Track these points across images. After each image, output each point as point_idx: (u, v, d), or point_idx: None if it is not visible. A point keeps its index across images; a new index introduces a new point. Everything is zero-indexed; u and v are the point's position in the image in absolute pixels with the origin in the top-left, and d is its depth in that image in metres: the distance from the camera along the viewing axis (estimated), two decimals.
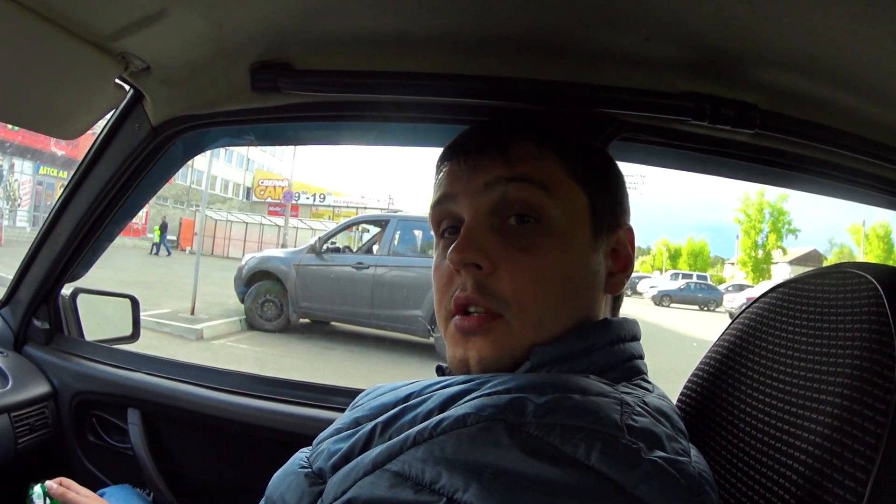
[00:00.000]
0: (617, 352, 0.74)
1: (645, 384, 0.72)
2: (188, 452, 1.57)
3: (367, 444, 0.67)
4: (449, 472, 0.56)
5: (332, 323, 10.08)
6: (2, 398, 1.46)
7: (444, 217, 0.80)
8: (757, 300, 0.91)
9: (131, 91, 1.28)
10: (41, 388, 1.59)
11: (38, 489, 1.14)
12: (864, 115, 1.06)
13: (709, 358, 0.94)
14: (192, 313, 10.35)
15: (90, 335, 1.83)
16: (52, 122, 1.20)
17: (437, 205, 0.81)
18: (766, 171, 1.22)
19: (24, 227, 24.79)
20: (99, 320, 1.90)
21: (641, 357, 0.78)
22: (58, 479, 1.14)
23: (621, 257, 0.81)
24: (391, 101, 1.14)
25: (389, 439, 0.65)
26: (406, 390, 0.75)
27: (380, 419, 0.69)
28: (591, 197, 0.78)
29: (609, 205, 0.80)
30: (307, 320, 10.07)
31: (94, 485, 1.42)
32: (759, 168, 1.20)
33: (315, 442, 0.77)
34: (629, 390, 0.66)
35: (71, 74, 1.09)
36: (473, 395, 0.64)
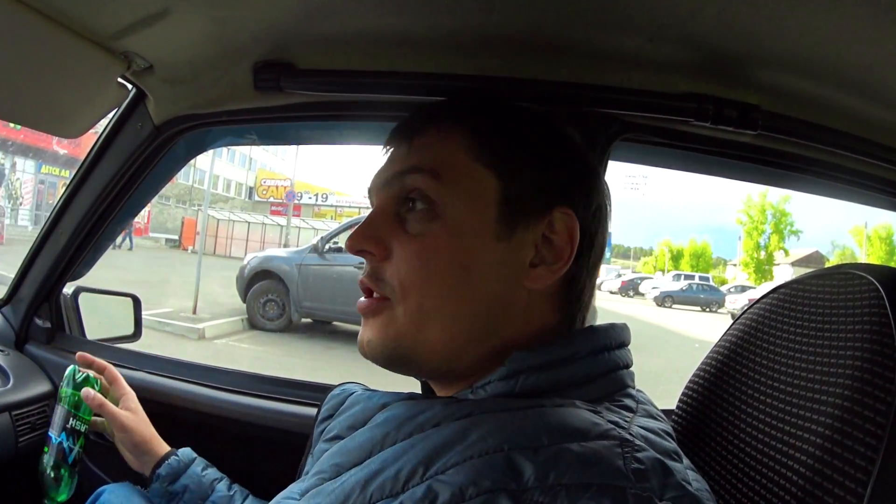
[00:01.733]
0: (600, 362, 0.70)
1: (628, 401, 0.69)
2: None
3: (344, 501, 0.63)
4: None
5: (334, 323, 10.09)
6: (3, 397, 1.46)
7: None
8: (758, 301, 0.91)
9: (134, 90, 1.29)
10: (42, 387, 1.59)
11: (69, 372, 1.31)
12: (867, 116, 1.06)
13: (710, 359, 0.93)
14: (194, 313, 10.38)
15: (91, 334, 1.83)
16: (55, 120, 1.21)
17: (368, 197, 0.81)
18: (769, 172, 1.22)
19: (26, 226, 24.84)
20: (100, 319, 1.90)
21: (628, 366, 0.74)
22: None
23: (554, 246, 0.73)
24: (394, 100, 1.13)
25: (371, 499, 0.60)
26: (381, 418, 0.73)
27: (360, 475, 0.64)
28: (504, 181, 0.72)
29: (531, 188, 0.73)
30: (309, 320, 10.09)
31: (94, 482, 1.42)
32: (762, 169, 1.20)
33: (302, 488, 0.73)
34: (617, 419, 0.62)
35: (73, 73, 1.09)
36: (460, 448, 0.59)
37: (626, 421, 0.62)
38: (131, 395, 1.38)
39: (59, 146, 25.47)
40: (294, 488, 0.75)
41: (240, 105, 1.25)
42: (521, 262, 0.72)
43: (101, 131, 1.46)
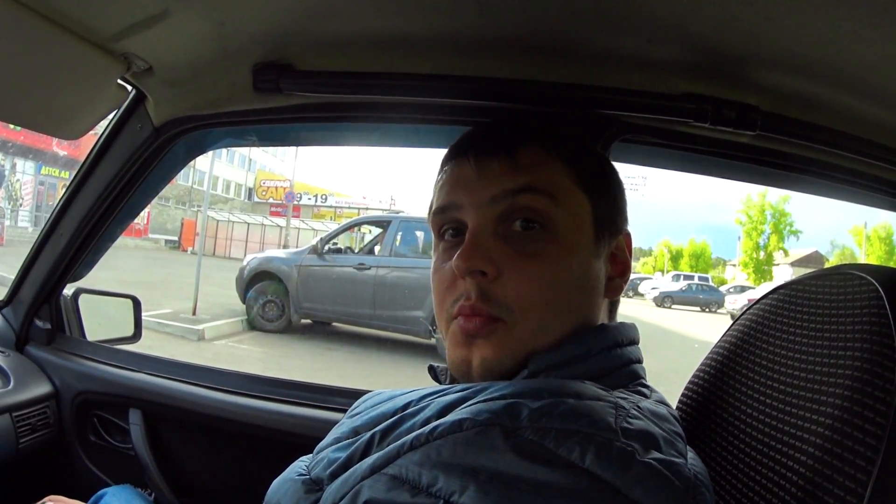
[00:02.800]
0: (614, 357, 0.74)
1: (643, 389, 0.72)
2: (189, 452, 1.57)
3: (365, 452, 0.68)
4: (445, 475, 0.56)
5: (334, 324, 10.09)
6: (3, 398, 1.46)
7: (447, 223, 0.80)
8: (758, 302, 0.91)
9: (133, 91, 1.29)
10: (43, 388, 1.59)
11: None
12: (866, 116, 1.06)
13: (710, 359, 0.94)
14: (194, 314, 10.36)
15: (92, 335, 1.83)
16: (55, 122, 1.21)
17: (441, 212, 0.80)
18: (768, 172, 1.22)
19: (26, 228, 24.81)
20: (100, 321, 1.90)
21: (639, 361, 0.78)
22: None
23: (619, 262, 0.82)
24: (393, 101, 1.14)
25: (387, 446, 0.65)
26: (404, 399, 0.75)
27: (378, 428, 0.70)
28: (594, 203, 0.78)
29: (610, 211, 0.81)
30: (309, 321, 10.08)
31: (95, 485, 1.42)
32: (761, 169, 1.20)
33: (315, 450, 0.78)
34: (625, 395, 0.66)
35: (73, 75, 1.09)
36: (470, 402, 0.64)
37: (631, 401, 0.65)
38: None
39: (59, 147, 25.40)
40: (304, 458, 0.80)
41: (239, 106, 1.25)
42: (604, 276, 0.79)
43: (100, 133, 1.46)
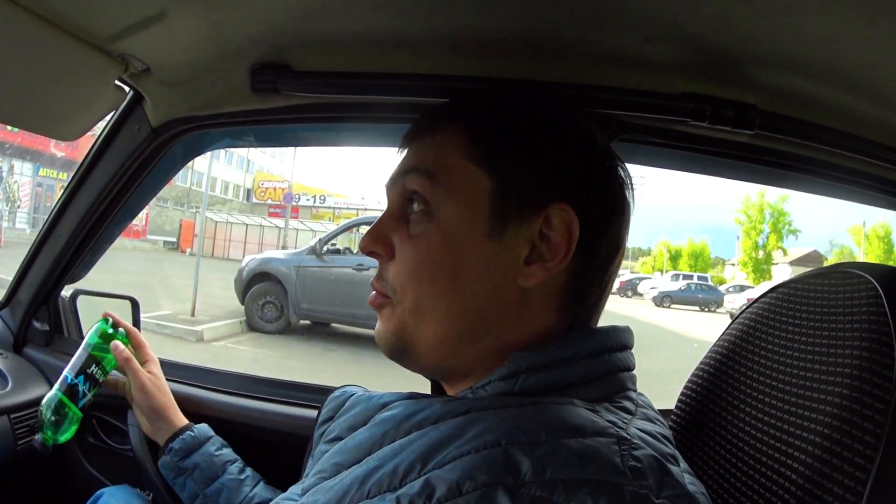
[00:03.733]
0: (600, 363, 0.70)
1: (628, 403, 0.69)
2: None
3: (342, 498, 0.63)
4: None
5: (333, 324, 10.09)
6: (1, 400, 1.46)
7: None
8: (757, 300, 0.91)
9: (131, 92, 1.28)
10: (41, 390, 1.58)
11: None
12: (864, 115, 1.06)
13: (709, 359, 0.93)
14: (193, 315, 10.38)
15: None
16: (52, 123, 1.20)
17: None
18: (766, 171, 1.22)
19: (24, 229, 24.82)
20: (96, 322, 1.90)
21: (629, 369, 0.74)
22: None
23: (551, 243, 0.71)
24: (391, 102, 1.13)
25: (369, 494, 0.61)
26: (381, 417, 0.74)
27: (358, 472, 0.64)
28: (495, 179, 0.72)
29: (524, 185, 0.72)
30: (307, 322, 10.09)
31: (93, 485, 1.42)
32: (759, 168, 1.20)
33: (302, 488, 0.74)
34: (615, 419, 0.62)
35: (70, 76, 1.08)
36: (458, 444, 0.59)
37: (623, 422, 0.62)
38: (156, 361, 1.42)
39: (57, 149, 25.43)
40: (294, 489, 0.77)
41: (237, 107, 1.25)
42: (514, 259, 0.71)
43: (98, 134, 1.45)
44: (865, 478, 0.59)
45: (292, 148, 28.21)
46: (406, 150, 0.81)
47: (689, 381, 0.96)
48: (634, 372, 0.75)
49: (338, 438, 0.80)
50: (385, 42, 1.03)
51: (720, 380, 0.88)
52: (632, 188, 0.79)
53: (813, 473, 0.64)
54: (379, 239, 0.77)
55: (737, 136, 1.10)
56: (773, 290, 0.89)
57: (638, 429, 0.61)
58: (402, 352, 0.76)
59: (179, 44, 1.07)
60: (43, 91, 1.09)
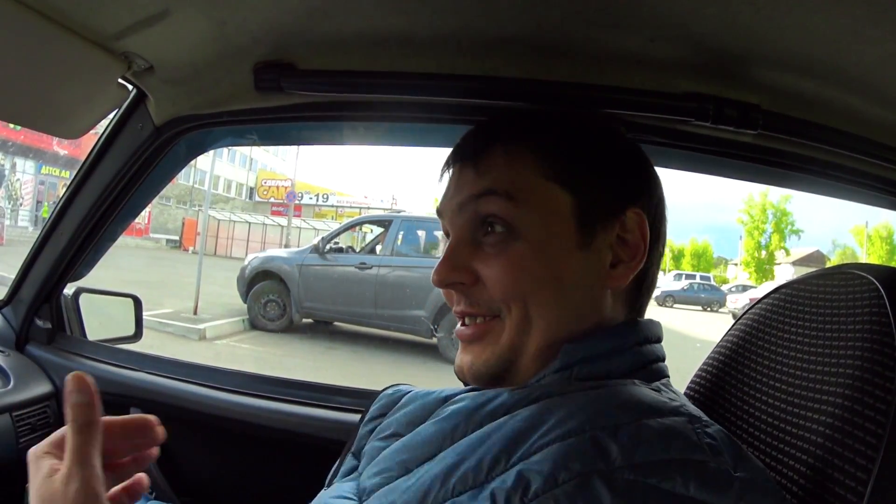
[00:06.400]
0: (645, 353, 0.74)
1: (664, 387, 0.71)
2: (191, 452, 1.57)
3: (424, 498, 0.63)
4: None
5: (335, 323, 10.10)
6: (3, 397, 1.47)
7: (444, 230, 0.83)
8: (760, 301, 0.91)
9: (134, 91, 1.29)
10: (43, 388, 1.59)
11: None
12: (867, 116, 1.06)
13: (712, 358, 0.94)
14: (195, 313, 10.37)
15: (92, 335, 1.84)
16: (55, 121, 1.20)
17: (439, 218, 0.84)
18: (770, 171, 1.21)
19: (27, 227, 24.86)
20: (101, 320, 1.90)
21: (663, 359, 0.78)
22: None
23: (629, 245, 0.76)
24: (396, 101, 1.13)
25: (454, 492, 0.61)
26: (447, 411, 0.74)
27: (436, 469, 0.64)
28: (576, 194, 0.75)
29: (603, 196, 0.76)
30: (310, 320, 10.09)
31: None
32: (763, 168, 1.20)
33: (357, 475, 0.75)
34: (674, 395, 0.67)
35: (74, 74, 1.09)
36: (540, 433, 0.60)
37: (682, 401, 0.65)
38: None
39: (60, 147, 25.46)
40: (344, 488, 0.77)
41: (241, 105, 1.25)
42: (602, 265, 0.75)
43: (101, 132, 1.46)
44: (867, 478, 0.59)
45: (295, 147, 28.25)
46: (462, 171, 0.80)
47: (693, 380, 0.96)
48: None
49: (396, 434, 0.81)
50: (389, 41, 1.02)
51: (723, 379, 0.88)
52: None
53: (815, 473, 0.64)
54: (457, 267, 0.76)
55: (740, 136, 1.09)
56: (776, 290, 0.90)
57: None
58: (503, 372, 0.75)
59: (183, 42, 1.08)
60: (46, 89, 1.09)
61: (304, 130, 1.44)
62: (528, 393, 0.68)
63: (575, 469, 0.55)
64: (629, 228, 0.76)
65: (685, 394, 0.96)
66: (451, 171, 0.82)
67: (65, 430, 0.63)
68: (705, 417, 0.61)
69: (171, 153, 1.44)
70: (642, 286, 0.80)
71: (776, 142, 1.11)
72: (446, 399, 0.79)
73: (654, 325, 0.79)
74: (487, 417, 0.68)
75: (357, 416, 1.37)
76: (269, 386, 1.53)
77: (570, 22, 0.92)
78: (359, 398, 1.47)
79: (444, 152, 0.85)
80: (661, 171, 0.85)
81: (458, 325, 0.79)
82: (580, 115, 0.86)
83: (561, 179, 0.75)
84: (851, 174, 1.19)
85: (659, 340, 0.78)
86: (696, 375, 0.96)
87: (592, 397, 0.64)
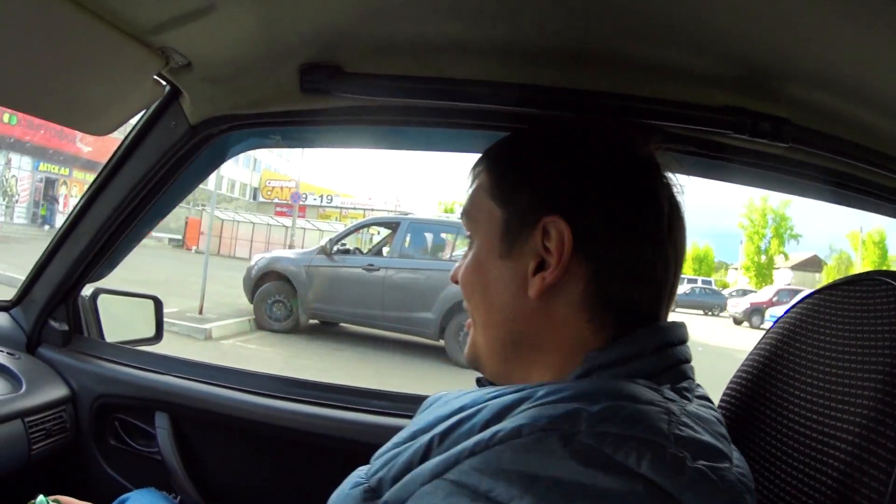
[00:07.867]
0: (665, 357, 0.75)
1: (686, 392, 0.72)
2: (219, 457, 1.57)
3: (425, 455, 0.69)
4: (506, 481, 0.57)
5: (342, 324, 10.13)
6: (15, 403, 1.43)
7: None
8: (794, 306, 0.94)
9: (168, 88, 1.26)
10: (58, 392, 1.57)
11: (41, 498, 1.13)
12: (886, 131, 1.08)
13: (749, 362, 0.96)
14: (201, 313, 10.38)
15: (109, 337, 1.82)
16: (85, 117, 1.19)
17: None
18: (798, 182, 1.24)
19: (24, 224, 24.94)
20: (117, 322, 1.88)
21: (688, 361, 0.78)
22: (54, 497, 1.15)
23: (552, 253, 0.75)
24: (440, 106, 1.14)
25: (447, 450, 0.66)
26: (459, 402, 0.76)
27: (436, 430, 0.71)
28: (504, 207, 0.81)
29: (523, 207, 0.78)
30: (316, 321, 10.11)
31: (114, 489, 1.41)
32: (792, 180, 1.23)
33: (373, 458, 0.79)
34: (674, 398, 0.68)
35: (108, 68, 1.06)
36: (527, 404, 0.66)
37: (679, 405, 0.67)
38: None
39: (60, 144, 25.42)
40: (360, 472, 0.80)
41: (282, 107, 1.23)
42: (523, 273, 0.77)
43: (128, 131, 1.43)
44: (887, 479, 0.63)
45: (300, 149, 28.27)
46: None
47: (730, 383, 0.98)
48: (692, 364, 0.79)
49: None
50: (441, 47, 1.02)
51: (759, 384, 0.91)
52: (666, 193, 0.81)
53: (845, 477, 0.67)
54: (457, 273, 0.88)
55: (772, 149, 1.12)
56: (809, 296, 0.92)
57: (694, 409, 0.68)
58: (474, 360, 0.86)
59: (225, 39, 1.05)
60: (77, 84, 1.07)
61: (347, 134, 1.41)
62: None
63: (540, 425, 0.61)
64: (551, 237, 0.75)
65: (725, 394, 0.99)
66: None
67: None
68: (686, 419, 0.63)
69: (205, 153, 1.41)
70: (603, 296, 0.76)
71: (805, 154, 1.14)
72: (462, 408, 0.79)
73: (677, 328, 0.78)
74: (492, 395, 0.73)
75: (394, 420, 1.37)
76: (299, 389, 1.52)
77: (616, 34, 0.94)
78: (397, 402, 1.47)
79: (456, 156, 0.88)
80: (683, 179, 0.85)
81: None
82: (575, 132, 0.86)
83: (496, 195, 0.82)
84: (868, 186, 1.22)
85: (682, 343, 0.78)
86: (734, 378, 0.98)
87: (585, 383, 0.69)
